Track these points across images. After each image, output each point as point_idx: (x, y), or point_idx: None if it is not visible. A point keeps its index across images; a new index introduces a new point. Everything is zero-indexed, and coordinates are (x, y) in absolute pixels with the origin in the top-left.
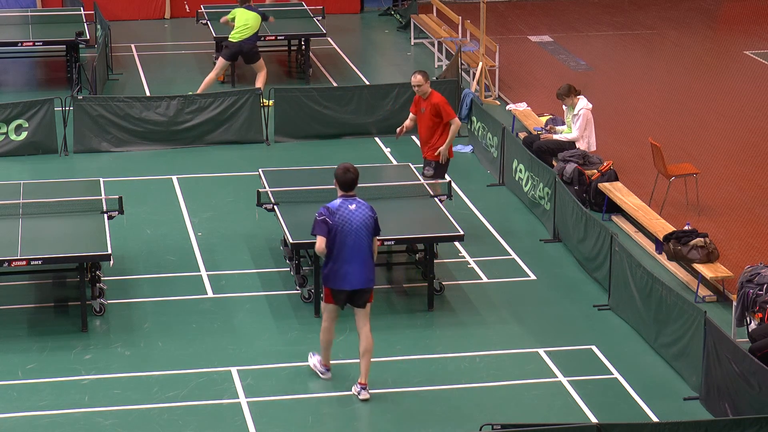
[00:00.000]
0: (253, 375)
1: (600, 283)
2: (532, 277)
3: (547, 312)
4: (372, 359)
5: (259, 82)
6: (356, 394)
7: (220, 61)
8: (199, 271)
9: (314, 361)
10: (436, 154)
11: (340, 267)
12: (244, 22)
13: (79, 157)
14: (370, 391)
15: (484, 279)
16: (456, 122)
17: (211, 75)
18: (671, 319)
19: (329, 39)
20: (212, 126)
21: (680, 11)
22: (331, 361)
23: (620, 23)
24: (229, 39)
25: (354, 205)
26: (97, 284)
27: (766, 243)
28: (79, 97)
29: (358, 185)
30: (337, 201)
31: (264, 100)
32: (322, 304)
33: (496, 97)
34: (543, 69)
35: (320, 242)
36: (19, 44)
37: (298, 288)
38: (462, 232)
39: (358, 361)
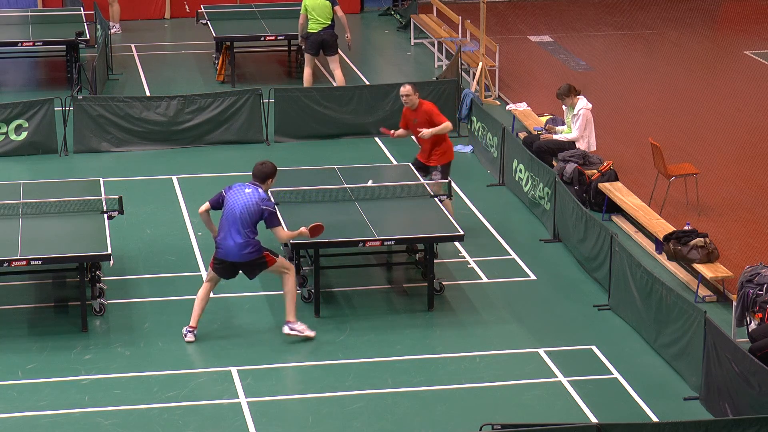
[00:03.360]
0: (253, 375)
1: (600, 283)
2: (532, 277)
3: (547, 312)
4: (372, 359)
5: (338, 78)
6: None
7: (307, 57)
8: (199, 271)
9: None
10: (420, 135)
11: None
12: (321, 11)
13: (79, 157)
14: (371, 391)
15: (484, 279)
16: (449, 124)
17: (307, 71)
18: (671, 319)
19: None
20: (212, 126)
21: (680, 11)
22: (331, 362)
23: (620, 23)
24: (309, 30)
25: (249, 190)
26: (97, 284)
27: (766, 243)
28: (79, 97)
29: (358, 185)
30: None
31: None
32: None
33: (496, 97)
34: (543, 69)
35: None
36: (19, 44)
37: (298, 288)
38: (462, 232)
39: (358, 361)
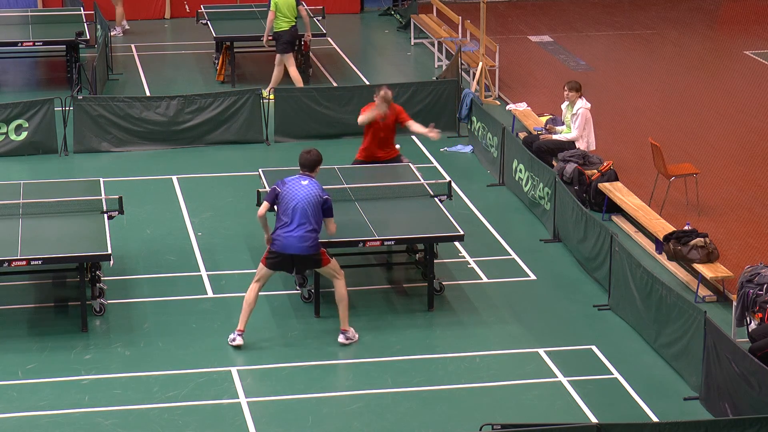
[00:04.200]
0: (253, 375)
1: (600, 283)
2: (532, 277)
3: (547, 312)
4: (372, 359)
5: (294, 76)
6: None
7: (288, 57)
8: (199, 271)
9: None
10: (417, 130)
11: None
12: (289, 10)
13: (79, 157)
14: (371, 391)
15: (484, 279)
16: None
17: (292, 70)
18: (671, 319)
19: (329, 39)
20: (212, 126)
21: (680, 11)
22: (331, 362)
23: (620, 23)
24: (277, 30)
25: (306, 182)
26: (97, 284)
27: (766, 243)
28: (79, 97)
29: (359, 185)
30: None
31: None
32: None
33: (496, 97)
34: (543, 69)
35: (263, 208)
36: (19, 44)
37: (298, 288)
38: (462, 232)
39: (358, 361)
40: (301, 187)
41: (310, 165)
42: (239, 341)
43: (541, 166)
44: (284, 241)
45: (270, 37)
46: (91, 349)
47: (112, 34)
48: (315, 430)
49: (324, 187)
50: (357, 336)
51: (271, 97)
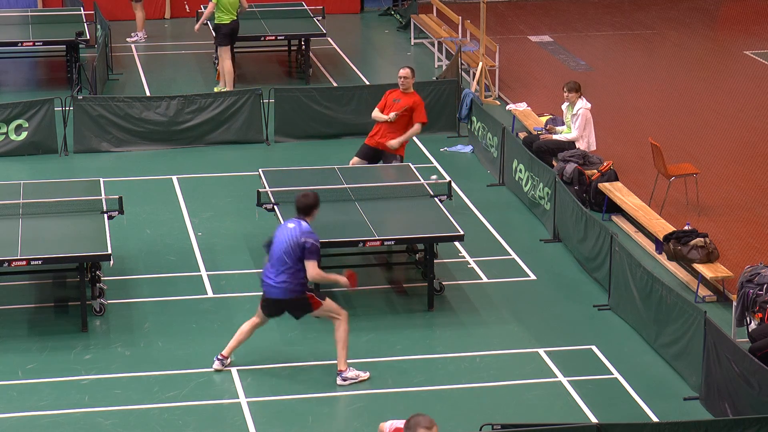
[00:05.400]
0: (253, 375)
1: (600, 283)
2: (532, 277)
3: (547, 312)
4: (372, 359)
5: (228, 67)
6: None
7: (224, 50)
8: (199, 271)
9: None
10: (387, 143)
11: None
12: (232, 3)
13: (79, 157)
14: (371, 391)
15: (484, 279)
16: (420, 127)
17: (227, 64)
18: (671, 319)
19: (329, 39)
20: (212, 126)
21: (680, 11)
22: (331, 362)
23: (620, 23)
24: (218, 22)
25: (293, 225)
26: (97, 284)
27: (766, 243)
28: (79, 97)
29: (361, 185)
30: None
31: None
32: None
33: (496, 97)
34: (543, 69)
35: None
36: (19, 44)
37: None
38: (462, 232)
39: (358, 361)
40: (285, 231)
41: (303, 209)
42: (217, 365)
43: (541, 166)
44: (265, 287)
45: (205, 25)
46: (91, 349)
47: (131, 39)
48: (315, 430)
49: (324, 187)
50: (364, 374)
51: (225, 89)
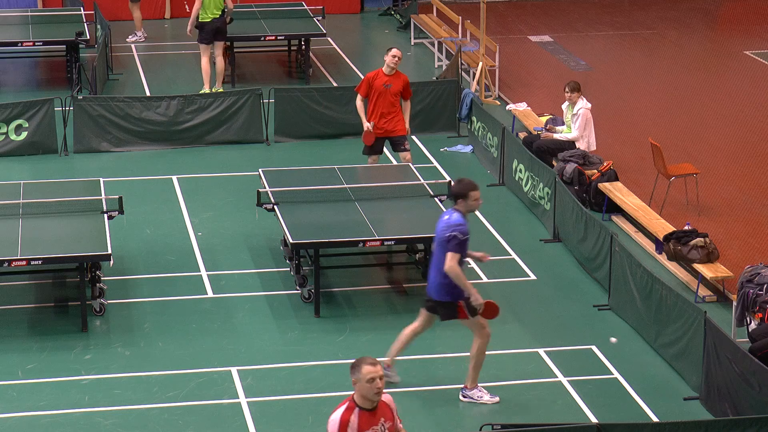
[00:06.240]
0: (253, 375)
1: (600, 283)
2: (532, 277)
3: (547, 312)
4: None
5: (220, 65)
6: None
7: (204, 48)
8: (199, 271)
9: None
10: (406, 128)
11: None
12: (216, 2)
13: (79, 157)
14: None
15: (484, 279)
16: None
17: (204, 61)
18: (671, 319)
19: (329, 39)
20: (212, 126)
21: (680, 11)
22: (331, 362)
23: (620, 23)
24: (201, 20)
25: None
26: (97, 284)
27: (766, 243)
28: (79, 97)
29: (361, 185)
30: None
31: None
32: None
33: (496, 97)
34: (543, 69)
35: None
36: (19, 44)
37: (298, 288)
38: None
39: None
40: (439, 224)
41: (452, 196)
42: (393, 378)
43: (541, 166)
44: (428, 283)
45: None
46: (91, 349)
47: (131, 39)
48: (315, 430)
49: (324, 187)
50: (490, 397)
51: (221, 89)
